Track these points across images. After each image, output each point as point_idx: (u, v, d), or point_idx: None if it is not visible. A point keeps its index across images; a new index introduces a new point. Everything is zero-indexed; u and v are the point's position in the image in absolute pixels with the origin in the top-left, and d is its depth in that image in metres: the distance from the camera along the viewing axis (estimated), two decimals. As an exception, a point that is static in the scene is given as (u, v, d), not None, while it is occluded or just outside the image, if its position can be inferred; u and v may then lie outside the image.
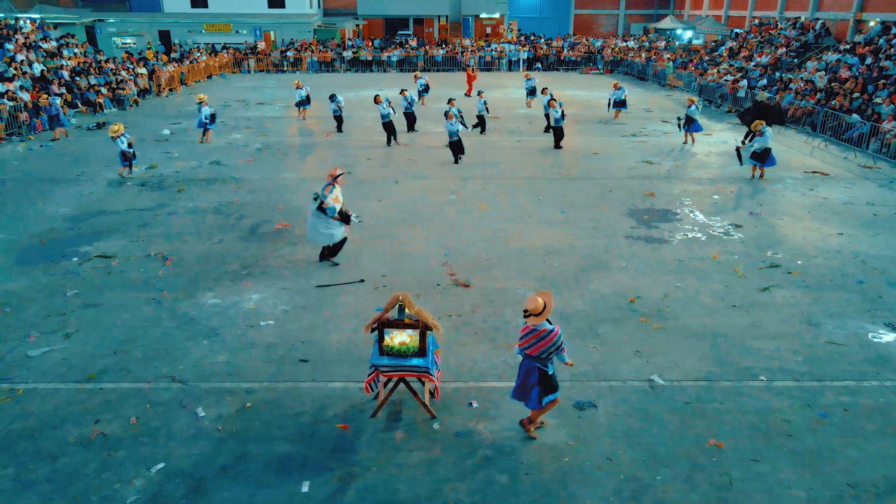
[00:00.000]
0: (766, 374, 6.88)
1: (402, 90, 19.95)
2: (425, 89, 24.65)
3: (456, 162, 15.95)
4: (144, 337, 7.62)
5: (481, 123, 19.61)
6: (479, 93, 20.13)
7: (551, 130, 18.25)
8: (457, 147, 15.86)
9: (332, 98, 19.55)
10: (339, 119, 19.83)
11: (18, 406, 6.30)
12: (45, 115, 19.18)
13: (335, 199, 9.32)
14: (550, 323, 5.44)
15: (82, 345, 7.43)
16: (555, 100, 17.90)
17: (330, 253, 9.75)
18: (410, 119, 19.78)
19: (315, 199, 9.29)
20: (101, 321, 7.99)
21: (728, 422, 6.09)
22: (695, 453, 5.66)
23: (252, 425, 6.04)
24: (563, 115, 17.28)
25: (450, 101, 17.16)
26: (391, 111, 17.65)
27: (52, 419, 6.10)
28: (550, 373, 5.57)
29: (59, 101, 18.82)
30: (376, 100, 17.73)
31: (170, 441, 5.81)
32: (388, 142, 18.08)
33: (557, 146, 17.70)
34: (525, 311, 5.45)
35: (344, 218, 9.44)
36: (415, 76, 25.52)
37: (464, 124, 16.03)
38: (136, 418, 6.11)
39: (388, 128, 17.83)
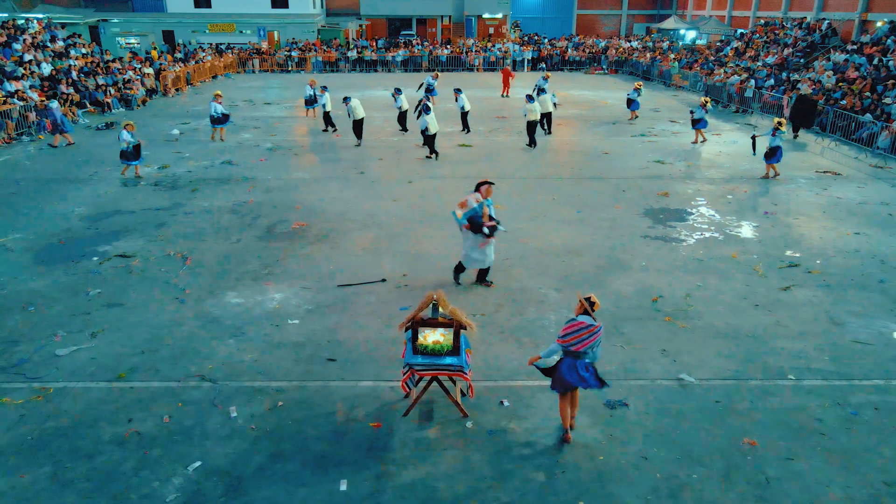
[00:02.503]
0: (794, 372, 6.90)
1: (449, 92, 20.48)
2: (429, 88, 24.57)
3: (431, 156, 16.38)
4: (170, 336, 7.62)
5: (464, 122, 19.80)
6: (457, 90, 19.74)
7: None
8: (431, 141, 16.17)
9: (398, 92, 19.35)
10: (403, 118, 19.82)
11: (50, 405, 6.30)
12: (44, 120, 18.51)
13: (462, 204, 8.50)
14: (595, 320, 5.49)
15: (109, 344, 7.44)
16: (531, 96, 17.85)
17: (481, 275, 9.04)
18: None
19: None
20: (126, 320, 7.99)
21: (760, 420, 6.10)
22: (729, 452, 5.67)
23: (285, 424, 6.05)
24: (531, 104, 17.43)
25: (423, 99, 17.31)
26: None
27: (85, 418, 6.11)
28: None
29: (56, 104, 18.25)
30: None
31: (205, 440, 5.82)
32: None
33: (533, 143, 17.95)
34: (592, 304, 5.51)
35: (475, 227, 8.42)
36: (434, 75, 25.49)
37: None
38: (168, 417, 6.12)
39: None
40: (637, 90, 21.87)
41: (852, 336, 7.67)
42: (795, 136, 19.49)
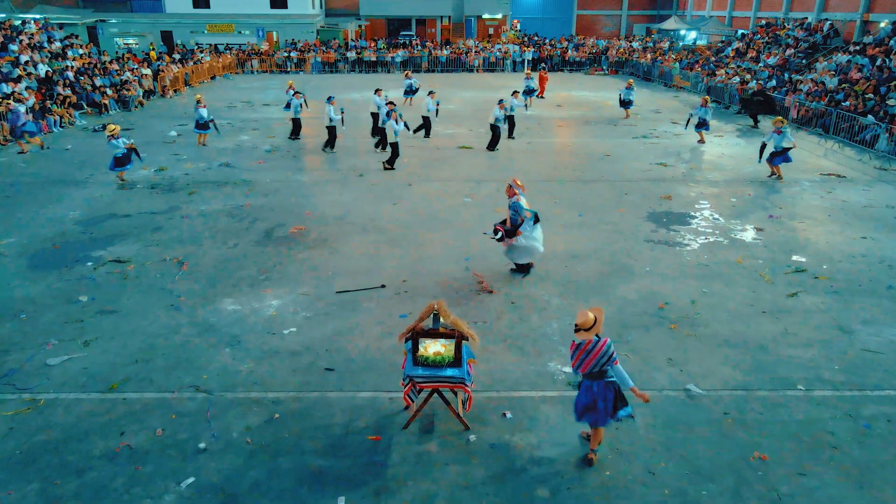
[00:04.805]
0: (803, 383, 6.73)
1: (431, 91, 19.40)
2: (412, 90, 24.31)
3: (390, 167, 15.35)
4: (165, 345, 7.45)
5: (426, 126, 18.95)
6: (431, 92, 19.17)
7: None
8: (395, 149, 15.28)
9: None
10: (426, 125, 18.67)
11: (41, 417, 6.13)
12: (39, 122, 18.07)
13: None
14: (598, 336, 5.27)
15: (102, 353, 7.26)
16: (502, 100, 17.58)
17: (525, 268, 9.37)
18: (427, 123, 19.14)
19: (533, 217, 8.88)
20: (120, 328, 7.82)
21: (770, 433, 5.93)
22: (739, 466, 5.50)
23: (281, 437, 5.87)
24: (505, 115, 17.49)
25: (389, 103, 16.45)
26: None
27: (75, 431, 5.93)
28: (615, 381, 5.38)
29: (23, 108, 17.35)
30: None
31: (198, 454, 5.64)
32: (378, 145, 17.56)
33: (493, 148, 17.42)
34: (575, 325, 5.27)
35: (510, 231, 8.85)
36: (406, 75, 25.24)
37: (406, 126, 15.49)
38: (161, 430, 5.95)
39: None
40: (629, 88, 21.94)
41: (862, 345, 7.50)
42: (755, 126, 21.23)
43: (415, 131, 18.44)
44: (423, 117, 18.93)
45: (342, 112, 17.32)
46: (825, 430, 5.97)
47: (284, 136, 19.38)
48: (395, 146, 15.33)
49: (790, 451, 5.70)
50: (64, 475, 5.37)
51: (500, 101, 17.48)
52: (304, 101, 19.22)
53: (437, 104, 18.82)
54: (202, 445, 5.75)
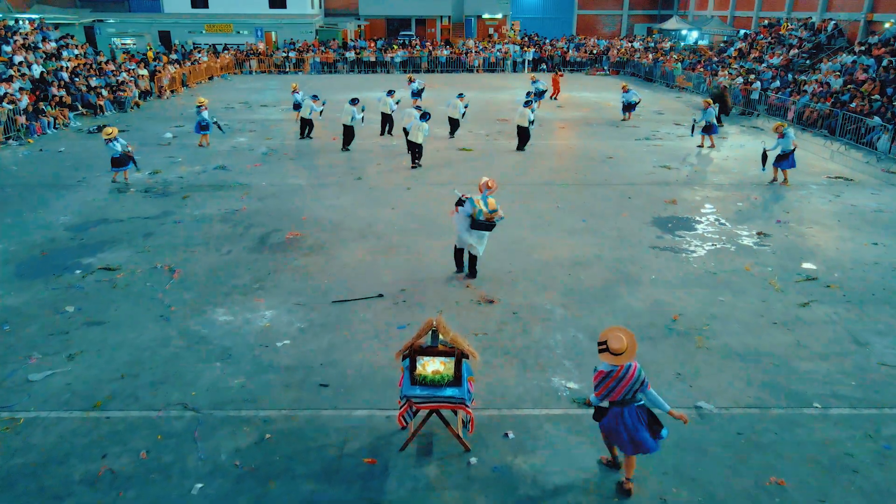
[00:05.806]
0: (819, 400, 6.43)
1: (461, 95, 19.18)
2: (419, 92, 24.08)
3: (413, 166, 15.62)
4: (153, 358, 7.15)
5: (452, 128, 19.02)
6: (461, 95, 18.99)
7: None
8: (420, 149, 15.54)
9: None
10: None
11: (19, 438, 5.83)
12: (33, 124, 17.73)
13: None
14: (615, 363, 4.96)
15: (87, 368, 6.96)
16: (531, 101, 17.73)
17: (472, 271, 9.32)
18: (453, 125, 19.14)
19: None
20: (107, 341, 7.52)
21: (786, 455, 5.64)
22: (755, 492, 5.21)
23: (272, 460, 5.58)
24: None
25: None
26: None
27: (56, 453, 5.64)
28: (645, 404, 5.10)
29: None
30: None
31: (184, 479, 5.34)
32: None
33: (522, 147, 17.51)
34: (601, 343, 4.94)
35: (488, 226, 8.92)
36: (409, 79, 24.95)
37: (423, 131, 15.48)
38: (146, 452, 5.65)
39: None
40: (627, 91, 21.76)
41: (878, 358, 7.20)
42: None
43: (451, 135, 19.06)
44: (449, 118, 18.97)
45: (363, 110, 17.43)
46: (844, 452, 5.67)
47: (282, 138, 19.10)
48: (421, 147, 15.49)
49: (809, 474, 5.40)
50: (41, 502, 5.07)
51: (528, 103, 17.46)
52: (322, 111, 19.09)
53: (467, 107, 19.02)
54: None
